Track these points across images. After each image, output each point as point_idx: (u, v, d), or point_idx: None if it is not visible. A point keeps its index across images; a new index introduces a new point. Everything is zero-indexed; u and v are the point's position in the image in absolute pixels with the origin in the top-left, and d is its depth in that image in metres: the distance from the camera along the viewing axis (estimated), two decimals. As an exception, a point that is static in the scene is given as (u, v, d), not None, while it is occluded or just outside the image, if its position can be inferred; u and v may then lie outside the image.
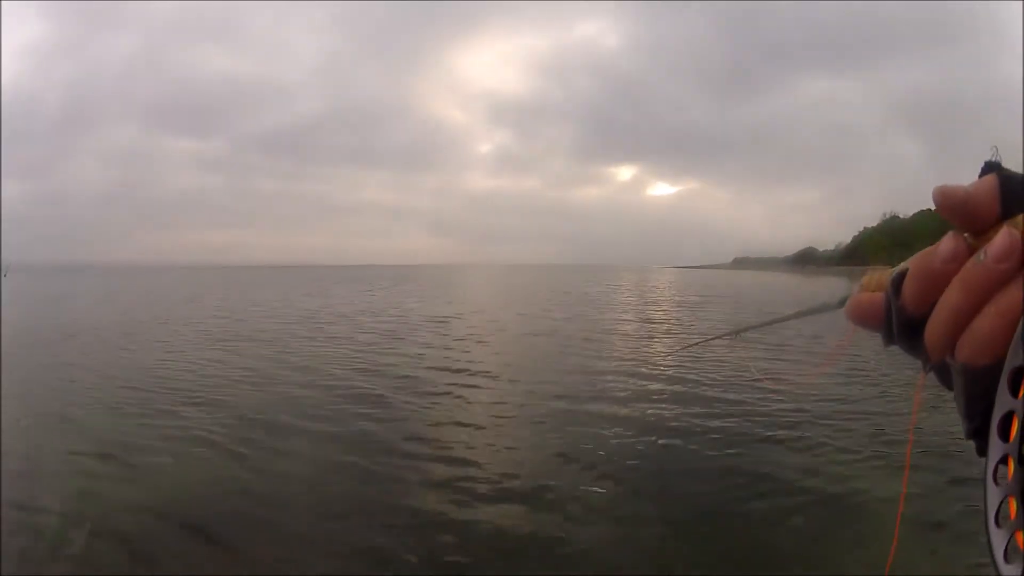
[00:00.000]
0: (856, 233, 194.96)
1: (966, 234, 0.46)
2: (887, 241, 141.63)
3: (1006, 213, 0.45)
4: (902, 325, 0.50)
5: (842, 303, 0.56)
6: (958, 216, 0.46)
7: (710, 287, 60.48)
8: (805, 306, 0.66)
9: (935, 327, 0.47)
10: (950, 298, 0.45)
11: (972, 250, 0.45)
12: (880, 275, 0.53)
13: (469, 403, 10.56)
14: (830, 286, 62.43)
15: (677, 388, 11.52)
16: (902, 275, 0.50)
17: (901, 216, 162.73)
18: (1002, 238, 0.43)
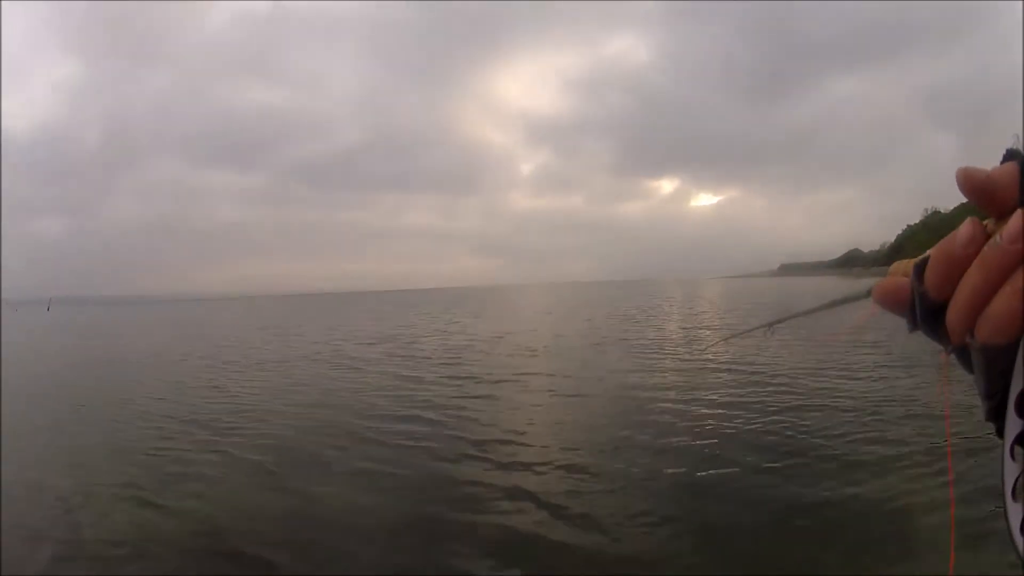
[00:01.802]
0: (899, 231, 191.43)
1: (987, 221, 0.48)
2: (930, 238, 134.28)
3: None
4: (925, 310, 0.51)
5: (869, 292, 0.58)
6: (978, 197, 0.47)
7: (759, 296, 58.17)
8: (833, 297, 0.71)
9: (955, 309, 0.48)
10: (969, 280, 0.47)
11: (992, 234, 0.46)
12: (907, 263, 0.55)
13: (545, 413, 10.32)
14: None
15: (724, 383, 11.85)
16: (925, 261, 0.51)
17: (942, 211, 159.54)
18: (1015, 220, 0.44)
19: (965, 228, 0.48)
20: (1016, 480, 0.47)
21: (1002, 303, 0.45)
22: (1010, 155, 0.49)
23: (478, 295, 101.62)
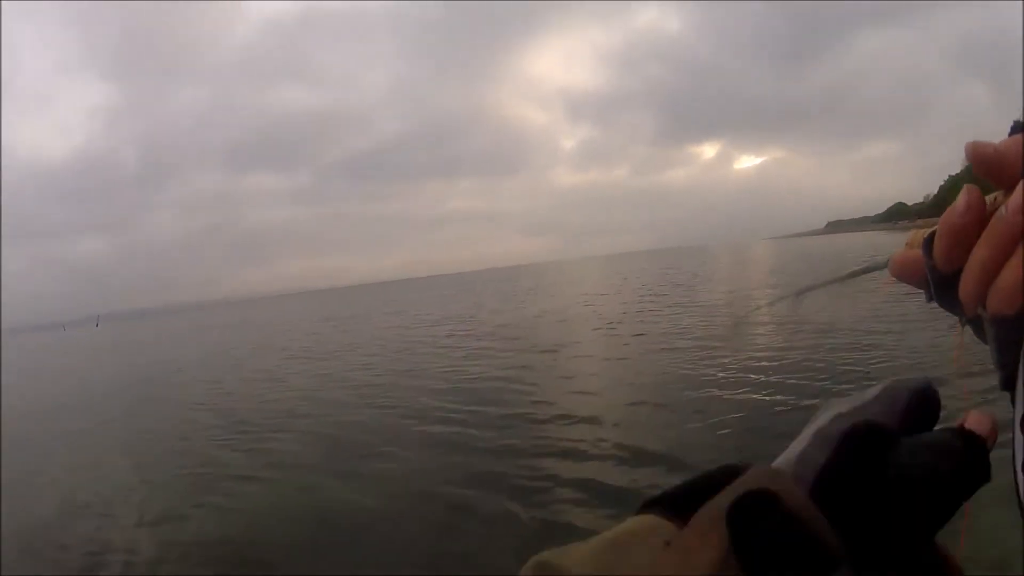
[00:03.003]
0: (942, 182, 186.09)
1: (996, 193, 0.47)
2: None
3: None
4: (937, 283, 0.51)
5: (887, 263, 0.57)
6: (987, 171, 0.47)
7: (809, 256, 53.84)
8: (856, 267, 0.69)
9: (966, 281, 0.47)
10: (978, 253, 0.46)
11: (999, 207, 0.46)
12: (923, 232, 0.53)
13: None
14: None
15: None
16: (933, 235, 0.50)
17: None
18: (1019, 192, 0.44)
19: (961, 197, 0.48)
20: None
21: (1010, 275, 0.45)
22: (1017, 127, 0.49)
23: (530, 273, 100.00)
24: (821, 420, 0.49)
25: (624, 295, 31.78)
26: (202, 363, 23.69)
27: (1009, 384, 0.48)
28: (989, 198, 0.47)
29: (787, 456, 0.47)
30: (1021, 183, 0.44)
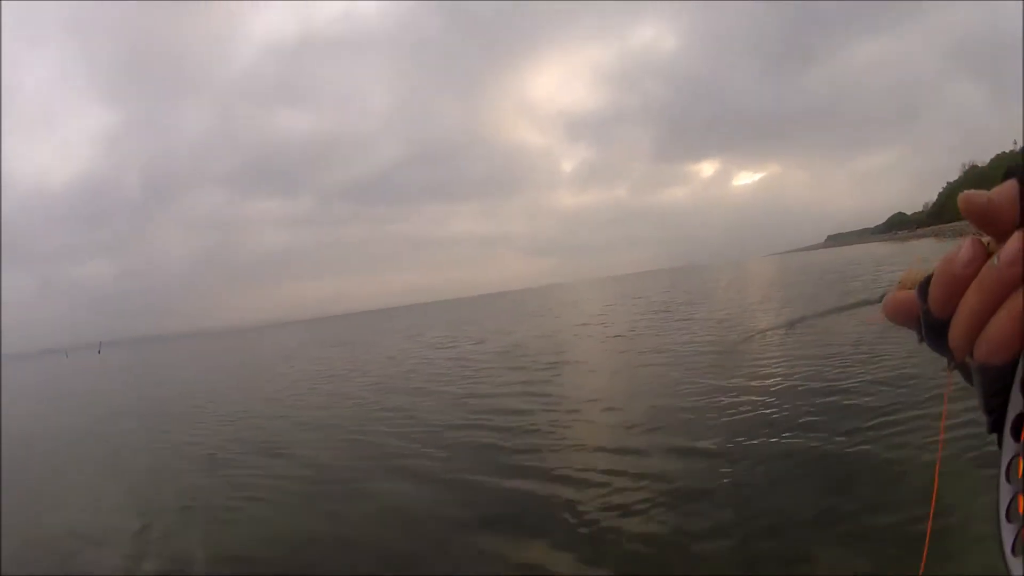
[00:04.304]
0: (941, 188, 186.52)
1: (988, 239, 0.47)
2: None
3: None
4: (930, 327, 0.51)
5: (882, 298, 0.58)
6: (980, 221, 0.46)
7: (809, 271, 50.57)
8: (849, 301, 0.71)
9: (956, 329, 0.48)
10: (968, 301, 0.46)
11: (991, 255, 0.46)
12: (917, 273, 0.54)
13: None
14: (920, 249, 56.89)
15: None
16: (929, 279, 0.50)
17: (979, 164, 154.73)
18: (1012, 242, 0.45)
19: (965, 248, 0.48)
20: (1010, 501, 0.47)
21: (999, 325, 0.46)
22: (1010, 172, 0.48)
23: (533, 298, 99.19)
24: None
25: (617, 323, 31.61)
26: (221, 390, 23.58)
27: (996, 427, 0.48)
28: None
29: None
30: (1017, 233, 0.45)
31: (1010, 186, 0.46)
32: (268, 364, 33.22)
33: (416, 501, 7.25)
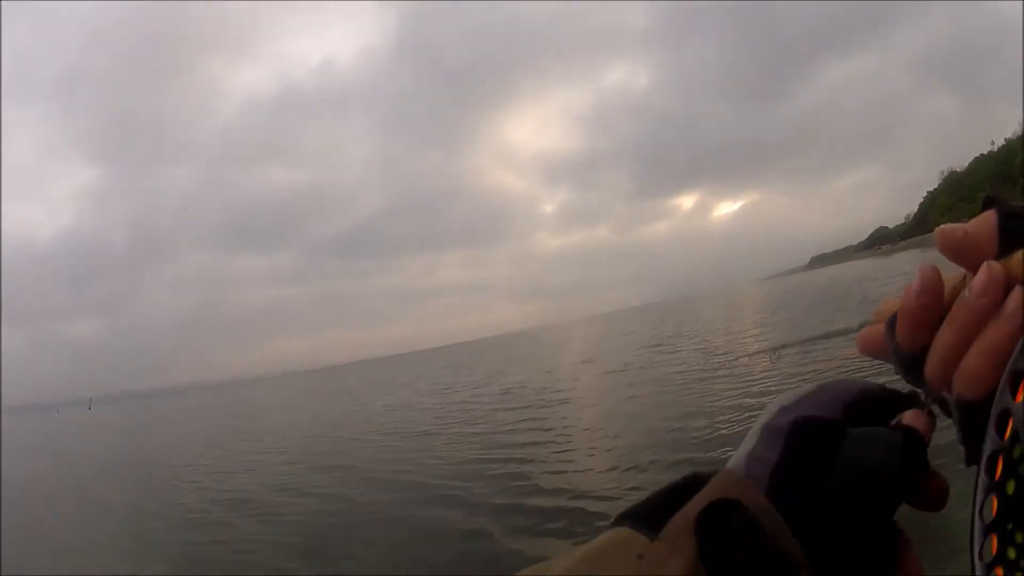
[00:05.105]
0: (921, 199, 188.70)
1: (966, 273, 0.45)
2: (951, 200, 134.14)
3: (1005, 249, 0.44)
4: (903, 361, 0.49)
5: (862, 327, 0.55)
6: (957, 256, 0.45)
7: (794, 294, 52.09)
8: (832, 328, 0.77)
9: (932, 363, 0.46)
10: (943, 336, 0.45)
11: (963, 288, 0.45)
12: (892, 304, 0.51)
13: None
14: (902, 262, 57.73)
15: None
16: (896, 316, 0.49)
17: (958, 170, 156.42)
18: (982, 274, 0.43)
19: (916, 278, 0.47)
20: (983, 542, 0.46)
21: (972, 360, 0.45)
22: (988, 202, 0.46)
23: (525, 341, 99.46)
24: (767, 414, 0.51)
25: (610, 359, 31.52)
26: (209, 446, 23.35)
27: (973, 459, 0.46)
28: (955, 276, 0.47)
29: (740, 454, 0.50)
30: (985, 264, 0.44)
31: (988, 217, 0.45)
32: (272, 411, 33.27)
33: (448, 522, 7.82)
